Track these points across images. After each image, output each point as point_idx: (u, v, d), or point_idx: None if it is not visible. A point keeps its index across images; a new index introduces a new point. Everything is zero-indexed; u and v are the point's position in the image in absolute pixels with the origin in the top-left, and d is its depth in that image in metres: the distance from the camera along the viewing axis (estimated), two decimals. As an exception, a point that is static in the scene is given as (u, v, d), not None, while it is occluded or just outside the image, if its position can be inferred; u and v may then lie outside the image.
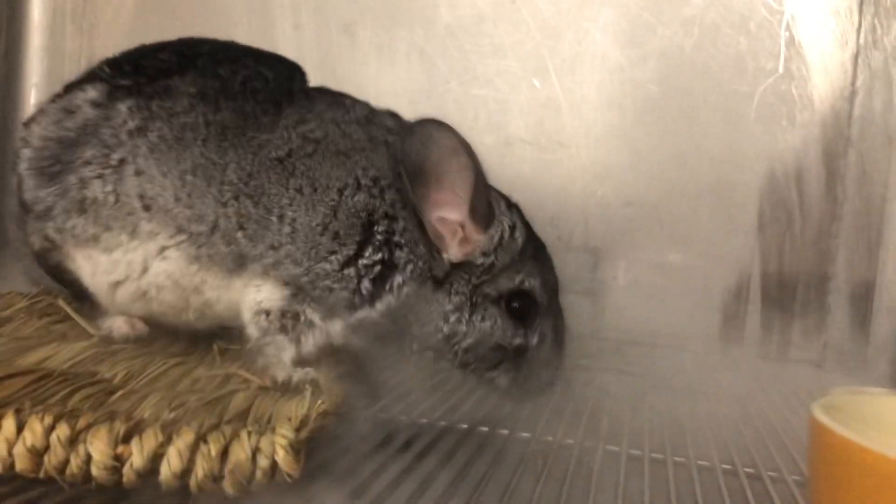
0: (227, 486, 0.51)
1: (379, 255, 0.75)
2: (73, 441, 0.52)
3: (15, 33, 1.34)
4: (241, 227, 0.75)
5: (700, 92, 1.13)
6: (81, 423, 0.53)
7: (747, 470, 0.71)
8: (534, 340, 0.77)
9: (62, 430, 0.52)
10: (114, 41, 1.33)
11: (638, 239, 1.15)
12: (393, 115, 0.85)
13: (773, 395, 1.00)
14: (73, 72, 1.33)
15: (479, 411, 0.82)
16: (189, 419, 0.56)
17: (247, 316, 0.76)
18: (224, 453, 0.52)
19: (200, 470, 0.51)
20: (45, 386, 0.61)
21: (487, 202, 0.76)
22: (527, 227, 0.81)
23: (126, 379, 0.68)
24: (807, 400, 0.96)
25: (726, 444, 0.78)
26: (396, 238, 0.76)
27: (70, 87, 0.85)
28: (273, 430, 0.53)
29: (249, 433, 0.53)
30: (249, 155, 0.77)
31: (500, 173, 1.19)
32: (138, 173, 0.77)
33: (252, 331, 0.76)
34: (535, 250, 0.80)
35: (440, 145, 0.73)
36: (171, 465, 0.51)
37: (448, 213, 0.75)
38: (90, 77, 0.85)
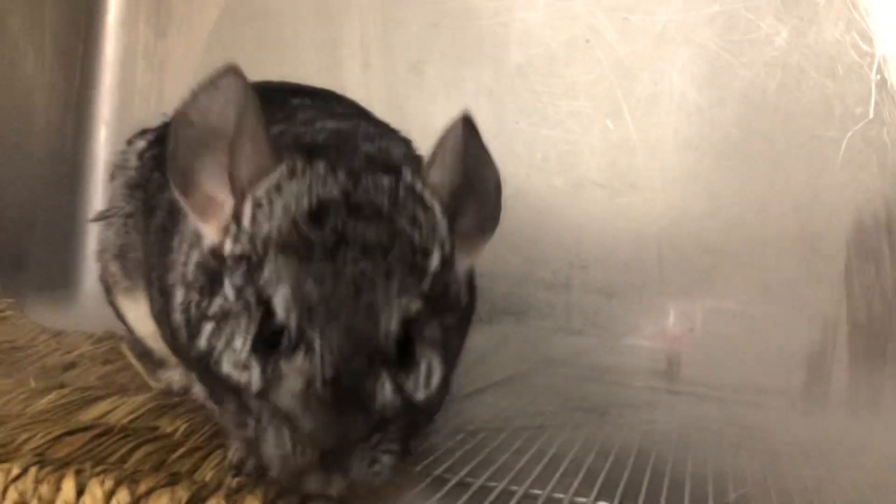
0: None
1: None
2: (133, 508, 0.49)
3: (88, 69, 1.36)
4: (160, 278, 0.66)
5: (783, 136, 1.08)
6: (142, 487, 0.50)
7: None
8: (263, 382, 0.50)
9: (122, 496, 0.50)
10: (184, 78, 1.34)
11: (716, 288, 1.09)
12: None
13: (861, 458, 0.94)
14: (143, 108, 1.35)
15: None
16: (252, 486, 0.53)
17: None
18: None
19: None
20: (106, 443, 0.59)
21: (255, 165, 0.55)
22: (326, 207, 0.53)
23: (187, 434, 0.65)
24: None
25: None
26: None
27: (128, 141, 0.89)
28: None
29: None
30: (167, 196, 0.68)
31: (570, 216, 1.17)
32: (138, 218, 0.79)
33: None
34: (309, 245, 0.51)
35: (205, 97, 0.55)
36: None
37: (208, 185, 0.56)
38: (146, 130, 0.88)
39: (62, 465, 0.52)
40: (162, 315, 0.66)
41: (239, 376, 0.51)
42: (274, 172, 0.55)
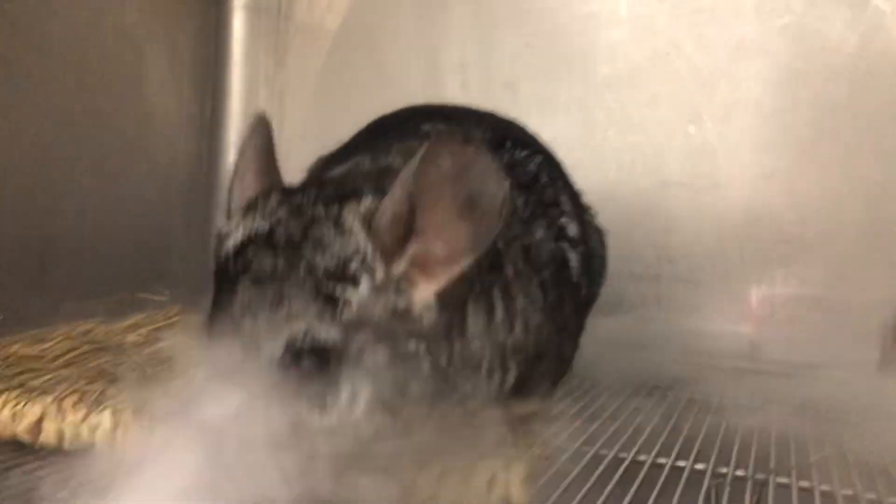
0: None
1: None
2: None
3: (217, 99, 1.53)
4: None
5: (853, 136, 1.18)
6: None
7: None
8: None
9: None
10: (302, 103, 1.50)
11: (795, 276, 1.20)
12: None
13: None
14: (266, 132, 1.51)
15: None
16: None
17: None
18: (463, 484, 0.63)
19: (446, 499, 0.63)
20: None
21: (242, 200, 0.65)
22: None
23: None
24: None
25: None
26: None
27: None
28: (508, 465, 0.64)
29: (487, 467, 0.64)
30: None
31: (657, 214, 1.29)
32: None
33: None
34: (224, 267, 0.60)
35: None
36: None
37: None
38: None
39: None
40: None
41: None
42: (243, 208, 0.62)
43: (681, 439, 0.91)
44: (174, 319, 1.19)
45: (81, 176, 1.25)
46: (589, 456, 0.82)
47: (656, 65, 1.28)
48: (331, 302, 0.55)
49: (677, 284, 1.25)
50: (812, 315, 1.19)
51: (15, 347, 0.96)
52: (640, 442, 0.89)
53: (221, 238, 0.60)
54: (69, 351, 0.96)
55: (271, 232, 0.57)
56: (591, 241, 0.89)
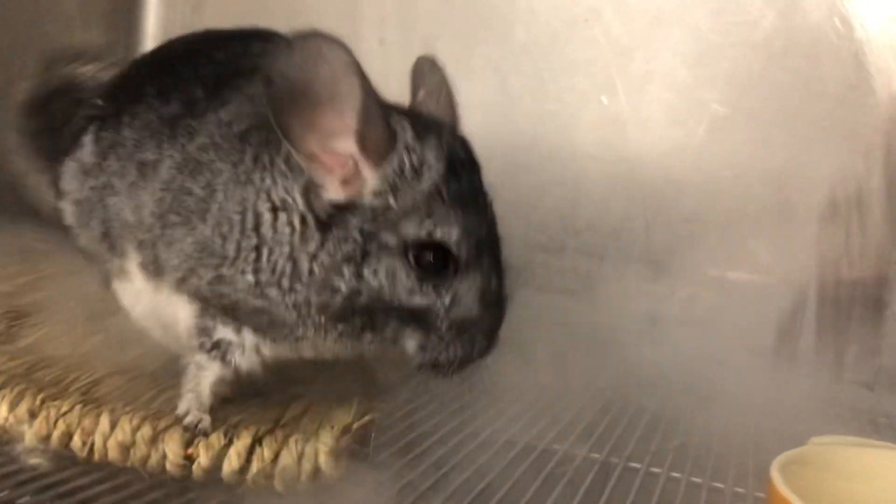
0: (277, 485, 0.61)
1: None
2: (153, 440, 0.62)
3: (131, 43, 1.47)
4: (162, 230, 0.70)
5: (767, 114, 1.15)
6: (161, 424, 0.63)
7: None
8: (445, 302, 0.64)
9: (145, 431, 0.62)
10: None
11: (698, 255, 1.18)
12: None
13: (825, 414, 1.02)
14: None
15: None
16: (248, 423, 0.66)
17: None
18: (276, 456, 0.61)
19: (255, 468, 0.61)
20: (139, 385, 0.72)
21: (384, 129, 0.63)
22: (455, 164, 0.65)
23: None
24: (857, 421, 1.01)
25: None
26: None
27: None
28: (317, 437, 0.62)
29: (297, 440, 0.62)
30: (179, 146, 0.70)
31: (566, 185, 1.26)
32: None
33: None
34: (459, 195, 0.65)
35: (326, 61, 0.59)
36: (231, 463, 0.61)
37: (330, 142, 0.63)
38: None
39: (101, 403, 0.66)
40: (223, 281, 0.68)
41: (420, 301, 0.64)
42: (401, 139, 0.64)
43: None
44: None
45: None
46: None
47: (574, 32, 1.24)
48: None
49: (581, 257, 1.23)
50: (711, 297, 1.17)
51: None
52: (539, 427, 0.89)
53: (411, 164, 0.66)
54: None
55: (467, 157, 0.70)
56: None
